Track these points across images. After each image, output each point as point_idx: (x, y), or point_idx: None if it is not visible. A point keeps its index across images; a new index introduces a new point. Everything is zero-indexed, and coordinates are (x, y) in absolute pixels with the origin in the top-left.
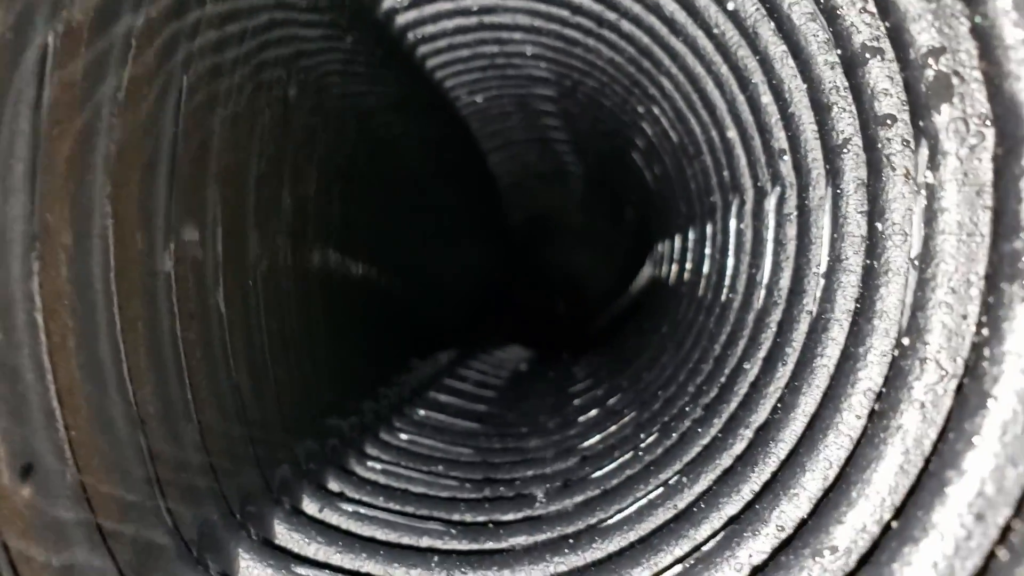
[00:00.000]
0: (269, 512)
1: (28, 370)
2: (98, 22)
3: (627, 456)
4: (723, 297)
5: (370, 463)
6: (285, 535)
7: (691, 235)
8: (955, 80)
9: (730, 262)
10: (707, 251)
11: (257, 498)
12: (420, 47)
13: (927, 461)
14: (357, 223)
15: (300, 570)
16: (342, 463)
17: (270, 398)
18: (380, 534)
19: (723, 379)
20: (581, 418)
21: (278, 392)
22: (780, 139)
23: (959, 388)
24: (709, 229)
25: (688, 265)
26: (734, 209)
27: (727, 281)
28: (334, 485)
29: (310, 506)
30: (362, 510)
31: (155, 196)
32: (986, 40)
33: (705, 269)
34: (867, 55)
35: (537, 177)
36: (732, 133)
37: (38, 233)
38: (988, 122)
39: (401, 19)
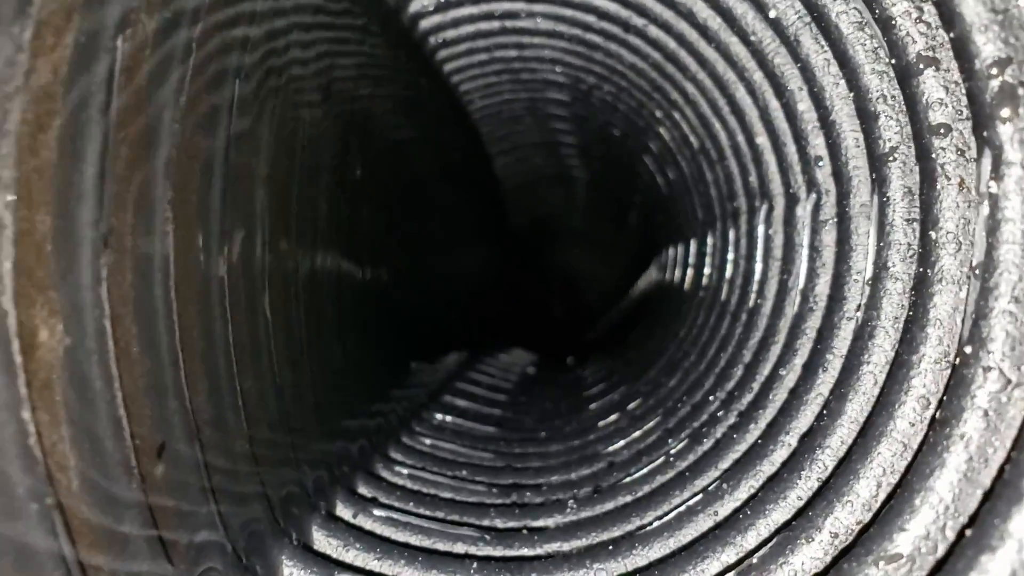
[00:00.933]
0: (308, 517)
1: (97, 377)
2: (163, 28)
3: (658, 462)
4: (751, 303)
5: (396, 467)
6: (323, 540)
7: (710, 239)
8: (1021, 90)
9: (758, 267)
10: (730, 256)
11: (296, 502)
12: (440, 51)
13: (1001, 469)
14: (379, 228)
15: None
16: (370, 468)
17: (308, 401)
18: (415, 540)
19: (757, 385)
20: (601, 423)
21: (315, 395)
22: (817, 146)
23: None
24: (732, 234)
25: (706, 270)
26: (762, 214)
27: (755, 286)
28: (365, 490)
29: (344, 511)
30: (394, 515)
31: (211, 200)
32: None
33: (728, 274)
34: (922, 65)
35: (542, 180)
36: (762, 139)
37: (107, 238)
38: None
39: (425, 23)
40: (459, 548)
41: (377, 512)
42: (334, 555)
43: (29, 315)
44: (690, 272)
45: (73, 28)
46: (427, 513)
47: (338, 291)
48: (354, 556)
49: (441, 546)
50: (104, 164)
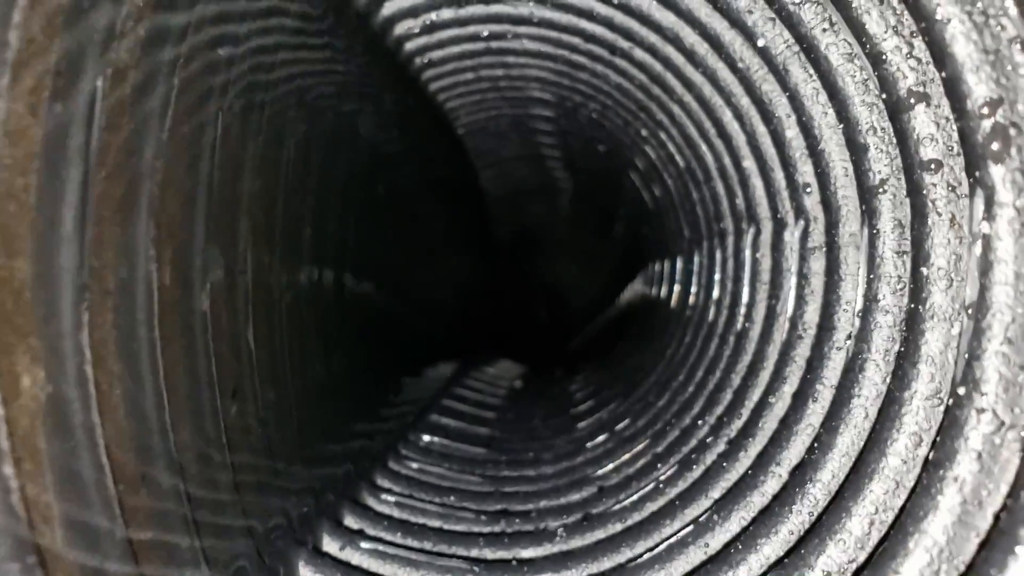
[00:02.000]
0: (294, 552)
1: (78, 426)
2: (143, 61)
3: (647, 488)
4: (738, 326)
5: (383, 495)
6: None
7: (696, 258)
8: (1012, 131)
9: (745, 290)
10: (717, 276)
11: (282, 536)
12: (426, 71)
13: (997, 517)
14: (366, 245)
15: None
16: (356, 496)
17: (291, 429)
18: (402, 573)
19: (746, 413)
20: (589, 444)
21: (299, 420)
22: (806, 174)
23: None
24: (719, 254)
25: (693, 288)
26: (749, 238)
27: (742, 309)
28: (351, 521)
29: (330, 545)
30: (381, 547)
31: (194, 235)
32: None
33: (715, 294)
34: (912, 100)
35: (527, 191)
36: (748, 163)
37: (88, 282)
38: None
39: (411, 45)
40: None
41: (364, 544)
42: None
43: (10, 362)
44: (677, 288)
45: (51, 69)
46: (415, 544)
47: (322, 310)
48: None
49: None
50: (85, 206)
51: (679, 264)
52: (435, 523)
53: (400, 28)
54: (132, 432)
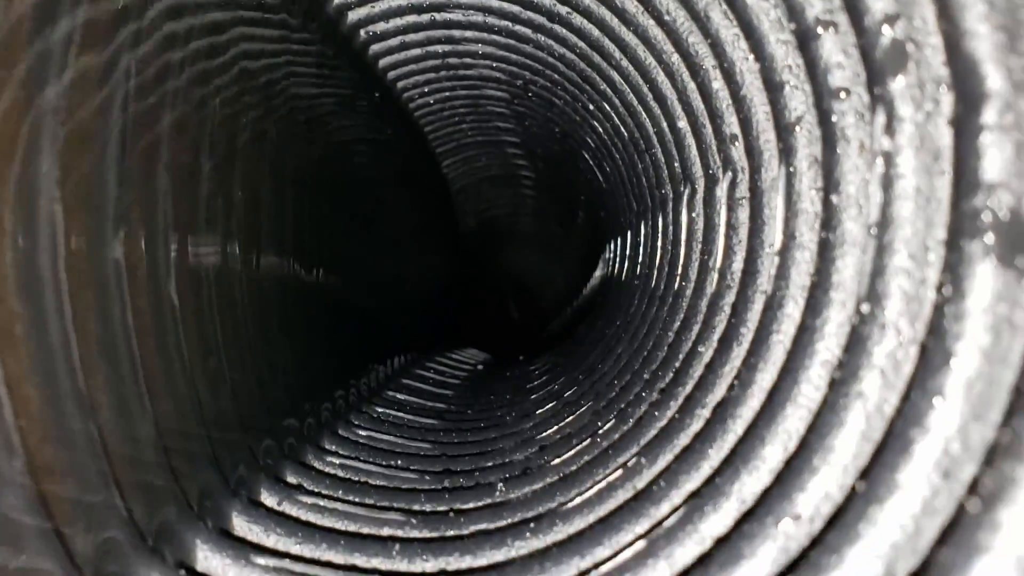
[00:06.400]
0: (227, 505)
1: None
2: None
3: (585, 443)
4: (676, 286)
5: (328, 458)
6: (244, 527)
7: (643, 230)
8: (910, 46)
9: (682, 251)
10: (659, 243)
11: (214, 492)
12: (372, 45)
13: (891, 422)
14: (310, 224)
15: (259, 559)
16: (300, 458)
17: (225, 395)
18: (340, 525)
19: (678, 364)
20: (539, 411)
21: (234, 390)
22: (732, 124)
23: (922, 350)
24: (660, 222)
25: (640, 259)
26: (685, 199)
27: (679, 270)
28: (292, 479)
29: (268, 499)
30: (321, 502)
31: (105, 183)
32: (943, 2)
33: (658, 261)
34: (819, 29)
35: (489, 181)
36: (683, 123)
37: None
38: (944, 87)
39: (352, 15)
40: (385, 532)
41: (303, 499)
42: (254, 540)
43: None
44: (627, 264)
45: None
46: (356, 500)
47: (259, 288)
48: (275, 541)
49: (366, 530)
50: None
51: (628, 238)
52: (378, 482)
53: None
54: (34, 371)
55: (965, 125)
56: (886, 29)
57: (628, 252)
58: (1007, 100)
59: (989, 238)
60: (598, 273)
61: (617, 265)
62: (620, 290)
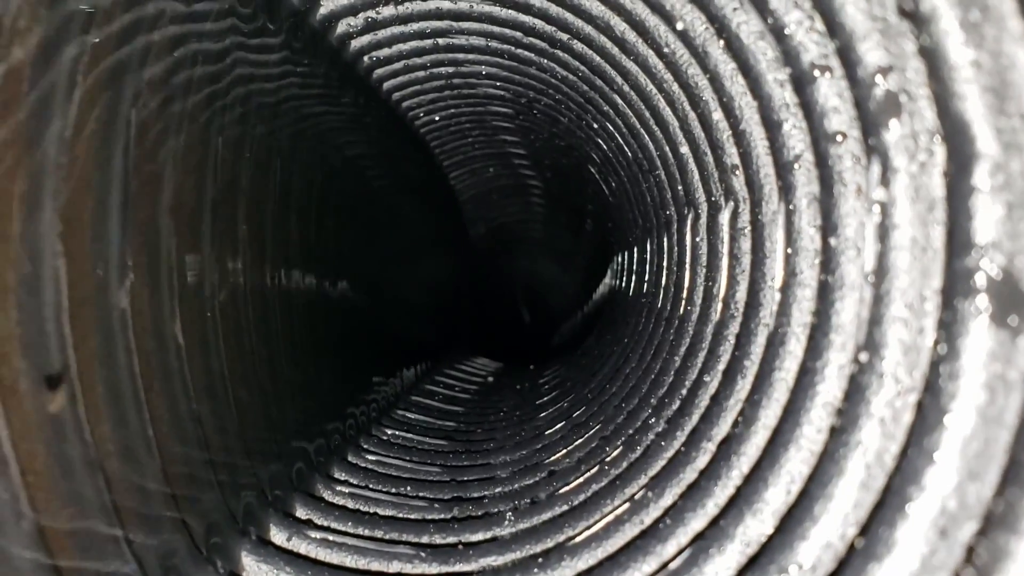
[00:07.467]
0: (235, 544)
1: None
2: (40, 59)
3: (594, 470)
4: (681, 309)
5: (338, 487)
6: (253, 567)
7: (648, 247)
8: (903, 98)
9: (687, 275)
10: (664, 263)
11: (222, 529)
12: (376, 70)
13: (890, 478)
14: (317, 246)
15: None
16: (309, 488)
17: (232, 426)
18: (349, 560)
19: (684, 392)
20: (548, 431)
21: (240, 419)
22: (732, 155)
23: (919, 405)
24: (666, 242)
25: (647, 277)
26: (689, 223)
27: (684, 294)
28: (301, 512)
29: (278, 535)
30: (331, 537)
31: (108, 232)
32: (933, 60)
33: (663, 281)
34: (816, 73)
35: (498, 191)
36: (685, 149)
37: None
38: (938, 138)
39: (355, 43)
40: (394, 567)
41: (312, 534)
42: None
43: None
44: (634, 279)
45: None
46: (365, 533)
47: (265, 313)
48: None
49: (376, 565)
50: None
51: (635, 254)
52: (387, 512)
53: (342, 27)
54: (40, 427)
55: (957, 184)
56: (879, 79)
57: (635, 267)
58: (997, 161)
59: (982, 299)
60: (607, 280)
61: (624, 278)
62: (627, 304)
